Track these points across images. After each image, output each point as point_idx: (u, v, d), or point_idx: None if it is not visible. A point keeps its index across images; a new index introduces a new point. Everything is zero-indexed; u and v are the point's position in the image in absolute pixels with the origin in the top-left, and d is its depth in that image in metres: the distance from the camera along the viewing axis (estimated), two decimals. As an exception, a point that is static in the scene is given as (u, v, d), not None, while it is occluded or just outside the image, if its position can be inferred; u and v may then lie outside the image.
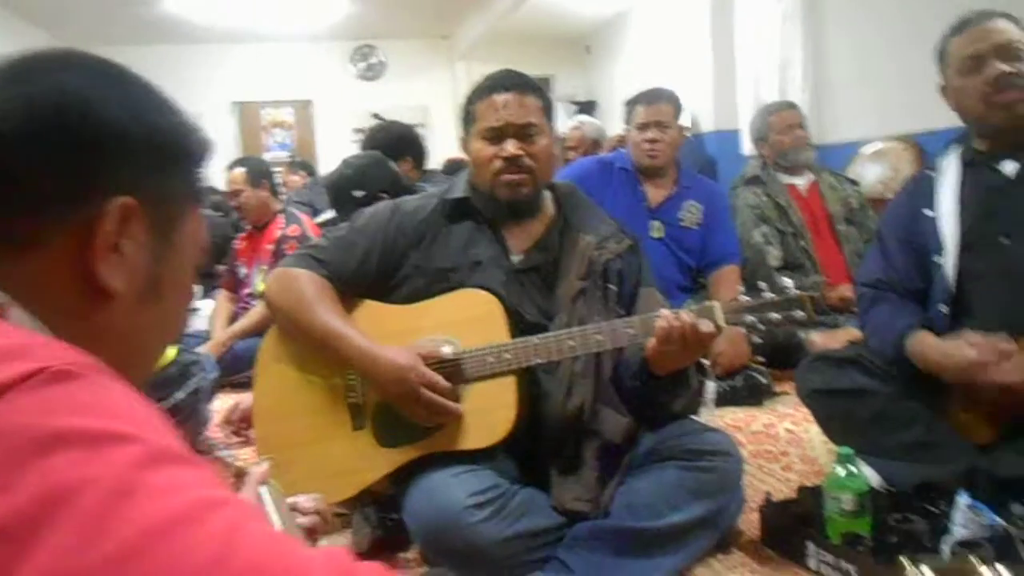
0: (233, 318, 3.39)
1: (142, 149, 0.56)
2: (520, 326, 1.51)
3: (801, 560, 1.48)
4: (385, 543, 1.59)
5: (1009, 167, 1.66)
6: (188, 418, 2.18)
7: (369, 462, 1.53)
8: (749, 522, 1.62)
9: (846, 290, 2.83)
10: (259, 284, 3.27)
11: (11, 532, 0.38)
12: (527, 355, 1.46)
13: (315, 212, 3.72)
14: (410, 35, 7.73)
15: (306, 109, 7.94)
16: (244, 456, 2.25)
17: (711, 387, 2.41)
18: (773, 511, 1.58)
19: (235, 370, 2.78)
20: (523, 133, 1.56)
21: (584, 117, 4.92)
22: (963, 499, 1.39)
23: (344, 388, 1.57)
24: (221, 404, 2.44)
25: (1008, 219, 1.63)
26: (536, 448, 1.50)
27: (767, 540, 1.57)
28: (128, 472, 0.41)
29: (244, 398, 2.23)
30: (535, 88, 1.61)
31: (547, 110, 1.61)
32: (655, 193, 2.84)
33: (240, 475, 2.04)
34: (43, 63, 0.56)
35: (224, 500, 0.43)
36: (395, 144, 3.09)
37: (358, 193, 2.55)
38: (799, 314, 1.41)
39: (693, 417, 1.66)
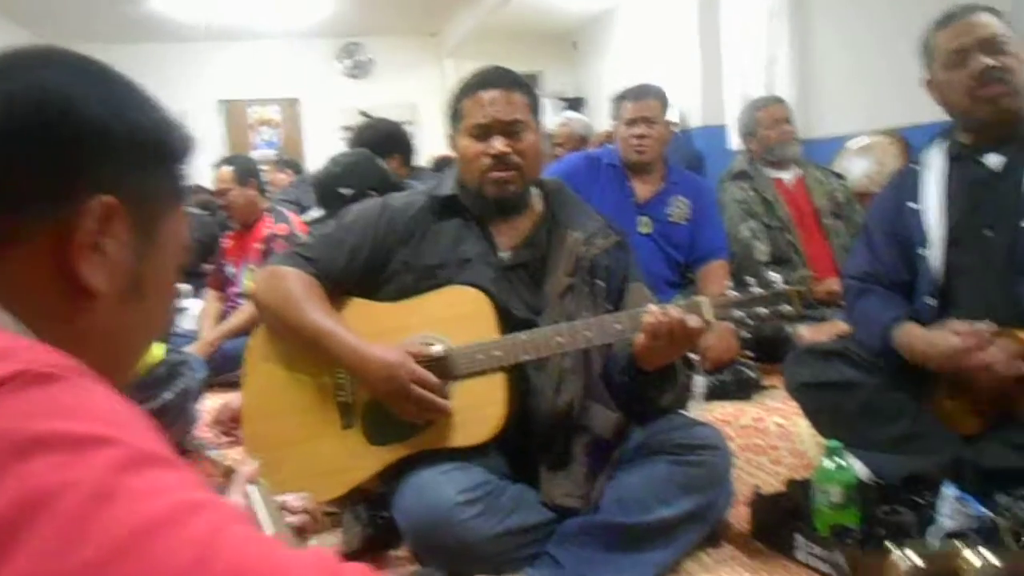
0: (221, 317, 3.37)
1: (124, 147, 0.56)
2: (509, 323, 1.51)
3: (790, 553, 1.49)
4: (376, 541, 1.59)
5: (994, 160, 1.67)
6: (176, 418, 2.17)
7: (359, 460, 1.52)
8: (738, 516, 1.63)
9: (833, 284, 2.83)
10: (247, 283, 3.25)
11: None
12: (516, 352, 1.46)
13: (302, 210, 3.70)
14: (397, 32, 7.69)
15: (293, 107, 7.90)
16: (233, 456, 2.24)
17: (700, 382, 2.42)
18: (762, 504, 1.59)
19: (224, 370, 2.76)
20: (510, 130, 1.56)
21: (572, 113, 4.93)
22: (950, 490, 1.40)
23: (333, 386, 1.57)
24: (210, 404, 2.43)
25: (992, 212, 1.64)
26: (526, 444, 1.50)
27: (756, 533, 1.58)
28: (109, 475, 0.40)
29: (233, 398, 2.22)
30: (522, 85, 1.61)
31: (534, 107, 1.61)
32: (643, 189, 2.84)
33: (229, 474, 2.03)
34: (24, 60, 0.56)
35: (206, 503, 0.43)
36: (383, 141, 3.08)
37: (346, 191, 2.54)
38: (787, 308, 1.42)
39: (682, 412, 1.67)
